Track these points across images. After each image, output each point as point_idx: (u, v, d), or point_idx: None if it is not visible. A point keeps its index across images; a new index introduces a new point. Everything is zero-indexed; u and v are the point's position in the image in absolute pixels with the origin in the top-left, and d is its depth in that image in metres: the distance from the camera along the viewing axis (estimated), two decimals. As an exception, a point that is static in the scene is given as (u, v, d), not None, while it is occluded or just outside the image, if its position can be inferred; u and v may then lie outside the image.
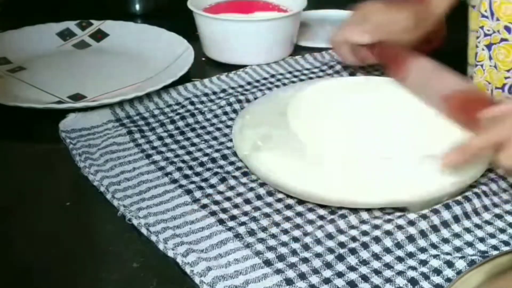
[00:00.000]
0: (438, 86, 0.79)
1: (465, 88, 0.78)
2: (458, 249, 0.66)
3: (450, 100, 0.76)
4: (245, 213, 0.70)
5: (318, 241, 0.66)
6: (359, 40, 0.93)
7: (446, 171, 0.70)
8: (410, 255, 0.65)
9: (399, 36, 0.93)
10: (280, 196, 0.73)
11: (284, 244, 0.66)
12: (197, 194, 0.73)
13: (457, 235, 0.67)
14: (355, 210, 0.70)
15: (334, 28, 0.99)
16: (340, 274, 0.62)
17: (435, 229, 0.68)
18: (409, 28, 0.93)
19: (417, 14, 0.94)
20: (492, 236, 0.67)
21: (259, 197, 0.73)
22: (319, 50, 1.06)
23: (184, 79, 0.96)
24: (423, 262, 0.64)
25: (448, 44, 1.05)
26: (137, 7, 1.27)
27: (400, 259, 0.64)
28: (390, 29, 0.93)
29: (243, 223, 0.69)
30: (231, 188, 0.74)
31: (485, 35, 0.89)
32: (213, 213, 0.70)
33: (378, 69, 0.98)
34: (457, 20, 0.99)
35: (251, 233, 0.67)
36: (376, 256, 0.65)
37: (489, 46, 0.89)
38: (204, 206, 0.71)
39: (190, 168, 0.77)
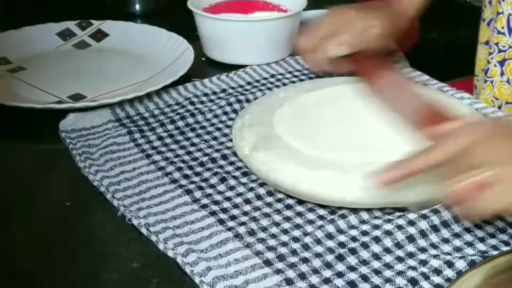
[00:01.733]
0: (407, 102, 0.78)
1: (430, 105, 0.76)
2: (458, 249, 0.66)
3: (418, 118, 0.74)
4: (245, 213, 0.70)
5: (318, 241, 0.66)
6: (337, 53, 0.90)
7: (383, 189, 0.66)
8: (410, 255, 0.65)
9: (374, 43, 0.90)
10: (280, 196, 0.73)
11: (284, 244, 0.66)
12: (197, 194, 0.73)
13: (457, 235, 0.67)
14: (355, 210, 0.70)
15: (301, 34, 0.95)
16: (340, 274, 0.62)
17: (435, 229, 0.68)
18: (384, 34, 0.91)
19: (391, 18, 0.92)
20: (492, 236, 0.67)
21: (259, 197, 0.73)
22: (319, 50, 1.06)
23: (184, 79, 0.96)
24: (423, 262, 0.64)
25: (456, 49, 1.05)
26: (137, 7, 1.27)
27: (400, 259, 0.64)
28: (366, 37, 0.90)
29: (243, 223, 0.69)
30: (231, 188, 0.74)
31: (499, 51, 0.89)
32: (213, 213, 0.70)
33: (347, 73, 0.98)
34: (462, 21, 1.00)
35: (251, 233, 0.67)
36: (376, 256, 0.65)
37: (502, 62, 0.89)
38: (204, 206, 0.71)
39: (190, 168, 0.77)
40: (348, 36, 0.89)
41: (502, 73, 0.90)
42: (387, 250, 0.65)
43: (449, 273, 0.62)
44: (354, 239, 0.67)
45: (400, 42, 0.94)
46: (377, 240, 0.66)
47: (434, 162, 0.64)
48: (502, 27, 0.88)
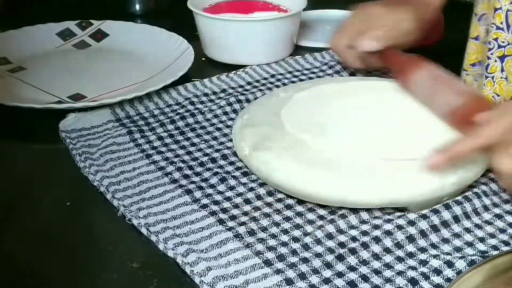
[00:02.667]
0: (442, 98, 0.78)
1: (467, 99, 0.76)
2: (458, 249, 0.66)
3: (454, 116, 0.75)
4: (245, 213, 0.70)
5: (318, 241, 0.66)
6: (369, 49, 0.91)
7: (432, 172, 0.69)
8: (410, 255, 0.65)
9: (403, 39, 0.91)
10: (280, 196, 0.73)
11: (284, 244, 0.66)
12: (197, 194, 0.73)
13: (457, 235, 0.67)
14: (355, 210, 0.70)
15: (334, 30, 0.96)
16: (340, 274, 0.62)
17: (435, 229, 0.68)
18: (413, 29, 0.92)
19: (418, 12, 0.93)
20: (492, 236, 0.67)
21: (259, 197, 0.73)
22: (319, 50, 1.06)
23: (184, 79, 0.96)
24: (423, 262, 0.64)
25: (447, 45, 1.05)
26: (137, 7, 1.27)
27: (400, 259, 0.64)
28: (396, 33, 0.91)
29: (243, 223, 0.69)
30: (231, 188, 0.74)
31: (499, 46, 0.89)
32: (213, 213, 0.70)
33: (378, 69, 0.98)
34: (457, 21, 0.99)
35: (251, 233, 0.67)
36: (376, 256, 0.65)
37: (502, 58, 0.89)
38: (204, 206, 0.71)
39: (190, 168, 0.77)
40: (380, 31, 0.90)
41: (502, 69, 0.90)
42: (387, 250, 0.65)
43: (449, 273, 0.62)
44: (354, 239, 0.67)
45: (426, 36, 0.95)
46: (377, 240, 0.66)
47: (484, 141, 0.68)
48: (501, 23, 0.88)
